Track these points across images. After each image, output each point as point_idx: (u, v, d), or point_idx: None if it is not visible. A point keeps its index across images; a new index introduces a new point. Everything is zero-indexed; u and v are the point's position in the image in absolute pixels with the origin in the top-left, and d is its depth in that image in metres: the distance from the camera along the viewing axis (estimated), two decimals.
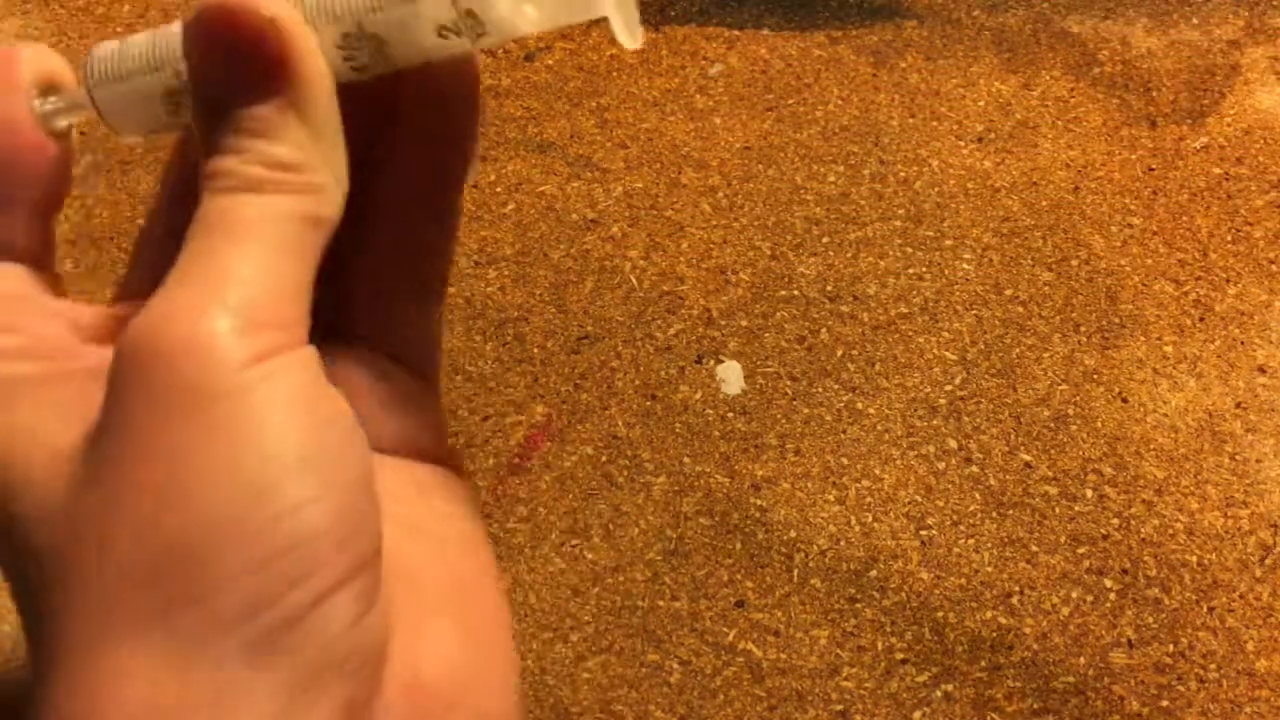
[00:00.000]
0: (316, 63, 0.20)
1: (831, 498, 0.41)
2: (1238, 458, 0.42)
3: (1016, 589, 0.39)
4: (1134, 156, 0.52)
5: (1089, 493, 0.41)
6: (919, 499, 0.41)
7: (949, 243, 0.48)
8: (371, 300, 0.24)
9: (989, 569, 0.39)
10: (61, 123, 0.23)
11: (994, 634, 0.38)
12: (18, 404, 0.20)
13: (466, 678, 0.20)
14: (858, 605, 0.38)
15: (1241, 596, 0.39)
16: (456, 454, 0.24)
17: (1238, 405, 0.44)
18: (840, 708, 0.36)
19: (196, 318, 0.18)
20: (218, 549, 0.17)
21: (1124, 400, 0.44)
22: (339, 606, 0.18)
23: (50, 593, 0.18)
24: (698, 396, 0.43)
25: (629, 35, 0.21)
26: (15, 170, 0.22)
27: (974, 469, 0.42)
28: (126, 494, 0.18)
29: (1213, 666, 0.37)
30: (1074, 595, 0.39)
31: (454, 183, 0.24)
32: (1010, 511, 0.41)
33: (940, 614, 0.38)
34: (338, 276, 0.23)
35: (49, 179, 0.22)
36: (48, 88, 0.23)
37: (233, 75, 0.20)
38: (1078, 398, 0.44)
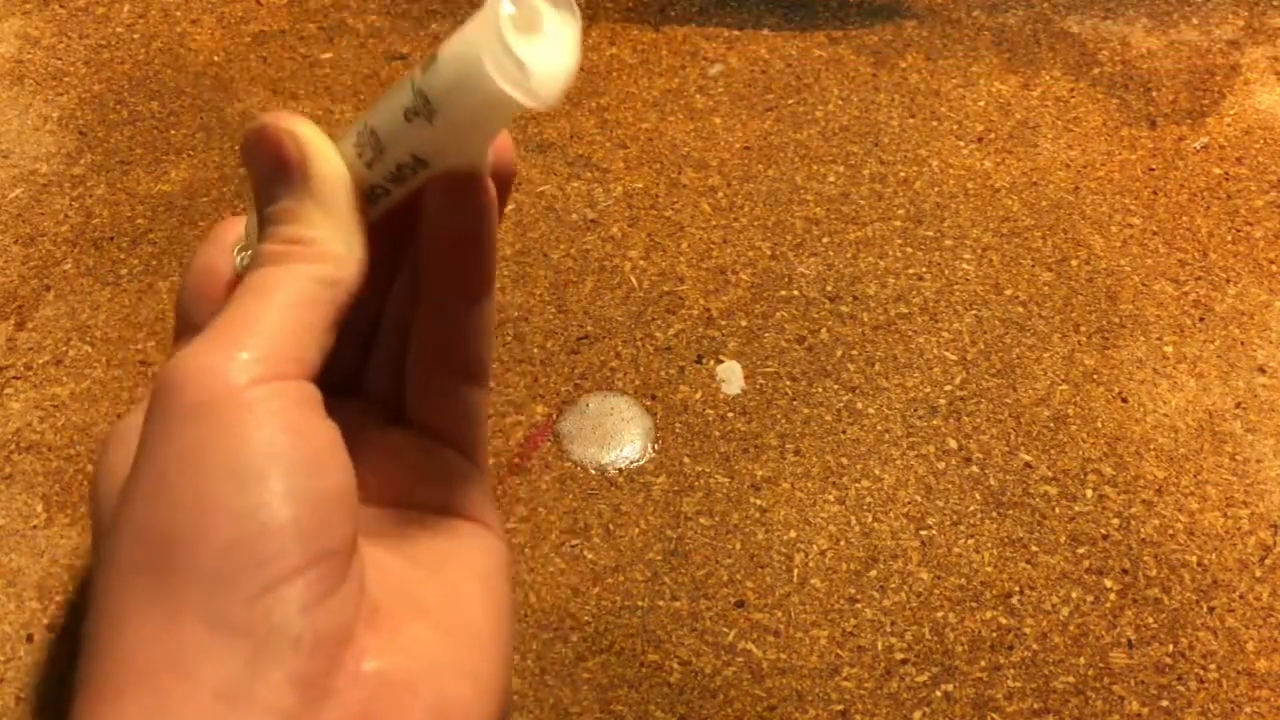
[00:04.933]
0: (329, 161, 0.25)
1: (831, 498, 0.41)
2: (1238, 458, 0.42)
3: (1016, 589, 0.39)
4: (1134, 156, 0.52)
5: (1089, 493, 0.41)
6: (919, 499, 0.41)
7: (949, 243, 0.48)
8: (420, 385, 0.28)
9: (989, 569, 0.39)
10: None
11: (994, 634, 0.38)
12: (128, 443, 0.24)
13: (435, 670, 0.23)
14: (858, 605, 0.38)
15: (1241, 596, 0.39)
16: (495, 516, 0.29)
17: (1238, 405, 0.44)
18: (840, 708, 0.36)
19: (212, 351, 0.22)
20: (189, 537, 0.20)
21: (1124, 400, 0.44)
22: (294, 590, 0.21)
23: (93, 585, 0.22)
24: (698, 396, 0.43)
25: (525, 92, 0.23)
26: (215, 304, 0.27)
27: (974, 469, 0.42)
28: (132, 497, 0.21)
29: (1213, 666, 0.37)
30: (1074, 595, 0.39)
31: (476, 279, 0.28)
32: (1010, 511, 0.41)
33: (940, 614, 0.38)
34: (397, 370, 0.28)
35: None
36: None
37: (265, 176, 0.25)
38: (1078, 398, 0.44)
